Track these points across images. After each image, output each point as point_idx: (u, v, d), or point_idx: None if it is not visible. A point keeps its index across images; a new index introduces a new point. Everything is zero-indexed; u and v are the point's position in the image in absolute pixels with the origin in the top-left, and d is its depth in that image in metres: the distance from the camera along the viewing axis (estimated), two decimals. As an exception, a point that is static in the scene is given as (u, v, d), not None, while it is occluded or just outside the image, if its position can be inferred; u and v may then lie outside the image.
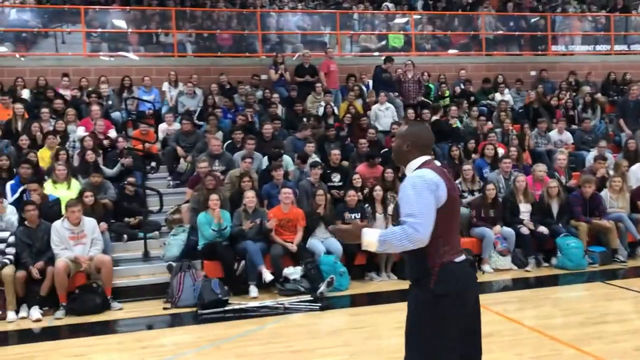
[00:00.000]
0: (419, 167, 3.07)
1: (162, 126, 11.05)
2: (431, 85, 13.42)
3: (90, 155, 9.13)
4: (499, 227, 8.48)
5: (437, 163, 3.23)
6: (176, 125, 10.94)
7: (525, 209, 8.71)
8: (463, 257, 3.05)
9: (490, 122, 12.13)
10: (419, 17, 16.37)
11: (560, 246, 8.35)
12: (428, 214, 2.88)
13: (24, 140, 9.51)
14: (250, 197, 7.87)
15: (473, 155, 10.18)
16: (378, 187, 8.42)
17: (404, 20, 16.14)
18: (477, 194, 8.97)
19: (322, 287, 7.16)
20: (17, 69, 12.45)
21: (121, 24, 14.48)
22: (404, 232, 2.85)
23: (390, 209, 8.29)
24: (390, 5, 17.17)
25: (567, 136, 11.39)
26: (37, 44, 14.52)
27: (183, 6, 15.34)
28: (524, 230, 8.43)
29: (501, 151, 10.23)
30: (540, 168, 9.21)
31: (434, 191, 2.93)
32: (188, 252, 7.84)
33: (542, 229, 8.49)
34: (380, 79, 12.57)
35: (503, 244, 8.37)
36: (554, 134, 11.33)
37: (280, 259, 7.67)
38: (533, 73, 15.07)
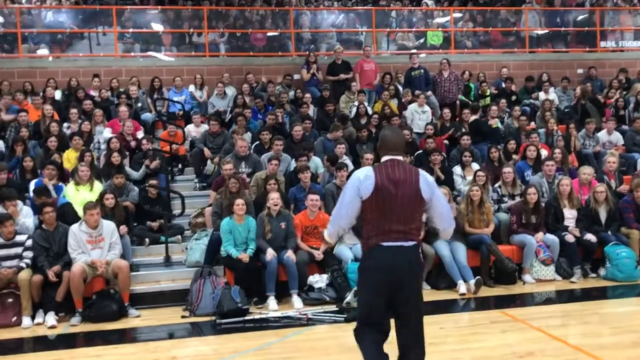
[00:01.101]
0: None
1: (190, 127, 10.81)
2: (471, 85, 12.82)
3: (115, 157, 8.93)
4: (541, 235, 7.87)
5: (400, 158, 3.83)
6: (204, 126, 10.68)
7: (570, 215, 8.08)
8: (396, 242, 3.70)
9: (533, 123, 11.52)
10: (460, 14, 15.77)
11: (609, 256, 7.69)
12: (345, 205, 3.76)
13: (52, 142, 9.38)
14: (274, 199, 7.48)
15: (514, 157, 9.56)
16: None
17: (445, 19, 15.54)
18: (518, 199, 8.37)
19: (349, 297, 6.71)
20: (50, 70, 12.44)
21: (155, 24, 14.41)
22: (333, 217, 3.89)
23: (423, 217, 7.75)
24: (430, 2, 16.63)
25: (617, 137, 10.64)
26: (72, 46, 14.58)
27: (217, 6, 15.18)
28: (569, 238, 7.80)
29: (544, 153, 9.58)
30: (586, 171, 8.55)
31: (357, 186, 3.71)
32: (209, 257, 7.52)
33: (590, 237, 7.85)
34: (410, 79, 12.06)
35: (546, 252, 7.76)
36: (602, 135, 10.61)
37: (305, 266, 7.26)
38: (580, 71, 14.30)
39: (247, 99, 11.80)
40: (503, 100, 11.55)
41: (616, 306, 7.10)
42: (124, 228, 7.49)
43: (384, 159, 3.83)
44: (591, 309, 6.72)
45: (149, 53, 13.62)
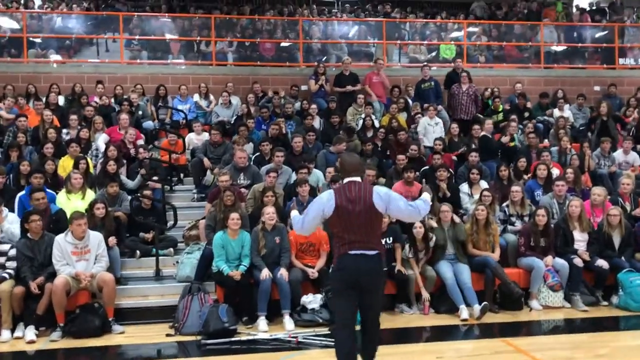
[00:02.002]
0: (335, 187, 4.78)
1: (191, 135, 10.56)
2: (489, 102, 12.39)
3: (111, 166, 8.69)
4: (550, 259, 7.46)
5: (358, 179, 4.57)
6: (205, 135, 10.42)
7: (580, 238, 7.66)
8: (360, 251, 4.41)
9: (546, 140, 11.12)
10: (476, 28, 15.44)
11: (622, 283, 7.25)
12: (309, 220, 4.59)
13: (48, 149, 9.16)
14: (269, 214, 7.16)
15: (525, 177, 9.16)
16: (418, 224, 7.29)
17: (459, 32, 15.22)
18: (526, 219, 7.97)
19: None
20: (54, 76, 12.32)
21: (164, 32, 14.27)
22: (298, 222, 4.70)
23: (432, 242, 7.40)
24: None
25: (634, 157, 10.19)
26: (80, 52, 14.49)
27: (227, 15, 15.03)
28: (578, 262, 7.37)
29: (556, 172, 9.18)
30: (598, 192, 8.11)
31: (323, 205, 4.50)
32: (200, 272, 7.20)
33: (601, 262, 7.41)
34: (420, 91, 11.74)
35: (554, 277, 7.34)
36: (619, 155, 10.17)
37: (299, 284, 6.91)
38: (597, 88, 13.87)
39: (252, 109, 11.56)
40: (514, 117, 11.11)
41: (629, 338, 6.62)
42: (112, 239, 7.21)
43: (345, 181, 4.59)
44: (602, 341, 6.31)
45: (151, 60, 13.39)
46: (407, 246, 7.37)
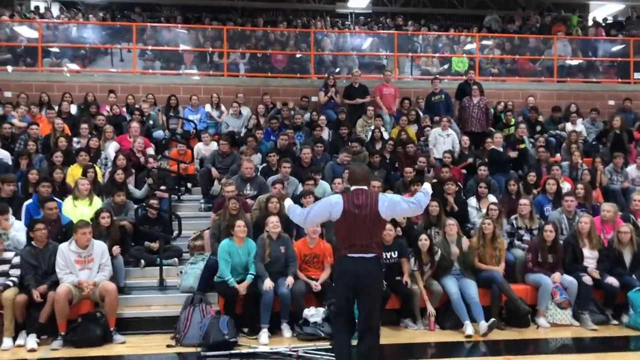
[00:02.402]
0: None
1: (199, 145, 10.58)
2: (502, 116, 12.27)
3: (119, 175, 8.72)
4: (558, 275, 7.32)
5: (365, 188, 4.94)
6: (213, 145, 10.44)
7: (590, 255, 7.51)
8: (359, 254, 4.76)
9: (558, 155, 10.98)
10: (489, 41, 15.37)
11: (633, 302, 7.07)
12: (314, 215, 4.91)
13: (57, 157, 9.22)
14: (273, 223, 7.12)
15: (534, 191, 9.03)
16: (424, 237, 7.28)
17: (472, 45, 15.16)
18: (535, 233, 7.83)
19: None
20: (67, 85, 12.44)
21: (177, 42, 14.38)
22: (302, 213, 4.96)
23: (437, 256, 7.31)
24: None
25: (648, 173, 10.03)
26: (95, 62, 14.65)
27: (240, 27, 15.12)
28: (587, 280, 7.21)
29: (567, 187, 9.04)
30: (607, 208, 7.93)
31: (328, 208, 4.83)
32: (203, 283, 7.17)
33: (611, 280, 7.26)
34: (430, 104, 11.68)
35: (562, 294, 7.19)
36: (632, 170, 9.99)
37: (301, 297, 6.85)
38: (612, 102, 13.71)
39: (261, 120, 11.57)
40: (523, 125, 10.97)
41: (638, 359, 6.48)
42: (116, 249, 7.21)
43: (352, 188, 4.95)
44: (610, 361, 6.16)
45: (162, 70, 13.45)
46: (412, 259, 7.29)
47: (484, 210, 8.31)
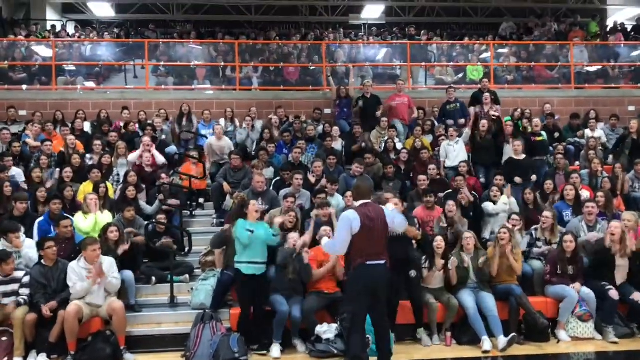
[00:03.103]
0: (354, 208, 5.66)
1: (211, 139, 10.66)
2: (519, 123, 12.04)
3: (131, 192, 8.68)
4: (578, 285, 7.09)
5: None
6: (225, 139, 10.66)
7: (622, 263, 7.26)
8: (376, 261, 5.45)
9: (577, 162, 10.72)
10: (506, 49, 15.18)
11: (657, 314, 6.84)
12: (343, 240, 5.48)
13: (67, 173, 9.23)
14: (294, 239, 7.11)
15: (551, 198, 8.77)
16: (439, 238, 7.21)
17: (487, 54, 14.98)
18: (554, 247, 7.60)
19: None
20: (81, 102, 12.48)
21: (190, 58, 14.42)
22: (330, 244, 5.75)
23: (451, 262, 7.09)
24: None
25: (671, 180, 9.73)
26: (109, 79, 14.76)
27: (254, 40, 15.14)
28: (613, 294, 6.95)
29: (586, 195, 8.79)
30: (628, 217, 7.60)
31: (350, 222, 5.44)
32: (217, 300, 7.07)
33: (637, 297, 7.00)
34: (446, 112, 11.52)
35: (583, 307, 6.96)
36: (653, 178, 9.71)
37: (313, 314, 6.71)
38: (632, 108, 13.41)
39: (275, 132, 11.49)
40: (536, 120, 10.89)
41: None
42: (124, 246, 7.27)
43: (359, 202, 5.63)
44: (635, 376, 5.92)
45: (173, 86, 13.45)
46: (424, 257, 7.13)
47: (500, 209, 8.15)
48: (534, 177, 9.61)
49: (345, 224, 5.44)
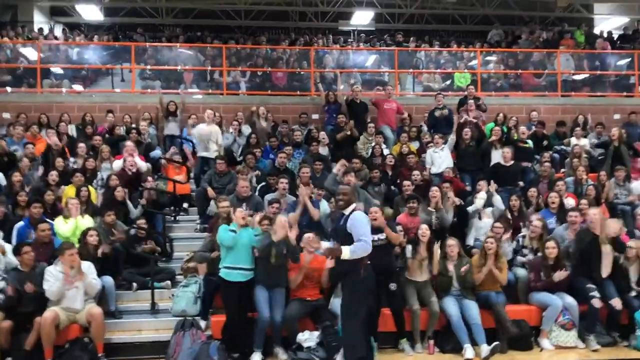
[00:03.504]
0: (354, 209, 5.80)
1: (201, 126, 10.55)
2: (504, 128, 12.08)
3: (120, 192, 8.65)
4: (564, 273, 7.05)
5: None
6: (214, 126, 10.55)
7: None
8: (369, 261, 5.70)
9: (563, 170, 10.74)
10: (494, 57, 15.24)
11: (639, 323, 6.82)
12: (369, 237, 5.61)
13: (52, 176, 9.14)
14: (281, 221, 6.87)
15: (535, 205, 8.75)
16: (424, 227, 7.20)
17: (475, 61, 15.02)
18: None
19: (338, 358, 6.04)
20: (67, 105, 12.33)
21: (177, 62, 14.35)
22: (362, 246, 5.54)
23: (437, 254, 7.06)
24: None
25: (654, 189, 9.76)
26: (97, 82, 14.67)
27: (240, 45, 15.09)
28: (596, 303, 6.91)
29: (572, 203, 8.78)
30: (613, 225, 7.61)
31: (368, 222, 5.83)
32: (206, 308, 7.00)
33: (615, 303, 6.97)
34: (433, 119, 11.52)
35: (566, 315, 6.94)
36: (637, 185, 9.73)
37: (295, 321, 6.63)
38: (617, 116, 13.47)
39: (263, 123, 11.47)
40: (523, 127, 11.00)
41: (646, 383, 6.21)
42: (105, 247, 7.18)
43: (355, 205, 5.89)
44: (617, 385, 5.89)
45: (156, 90, 13.39)
46: (409, 246, 7.09)
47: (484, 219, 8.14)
48: (521, 184, 9.63)
49: (365, 222, 5.67)
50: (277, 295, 6.68)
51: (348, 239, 5.55)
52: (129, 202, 8.90)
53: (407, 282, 7.06)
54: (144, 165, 9.80)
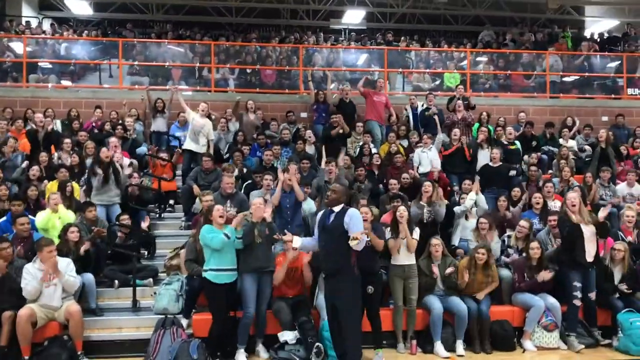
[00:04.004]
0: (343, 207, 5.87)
1: (195, 115, 10.40)
2: (490, 127, 12.09)
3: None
4: (546, 274, 7.03)
5: None
6: (206, 121, 10.47)
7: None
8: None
9: (550, 171, 10.74)
10: (485, 57, 15.26)
11: (622, 325, 6.83)
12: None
13: (34, 171, 9.03)
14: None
15: (519, 205, 8.73)
16: (402, 208, 7.00)
17: (465, 62, 15.03)
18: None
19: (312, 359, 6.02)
20: (52, 101, 12.24)
21: (166, 58, 14.27)
22: (363, 240, 5.59)
23: (416, 234, 6.97)
24: None
25: (640, 190, 9.80)
26: (84, 77, 14.55)
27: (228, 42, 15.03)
28: (577, 302, 6.93)
29: (558, 205, 8.76)
30: (597, 226, 7.64)
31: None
32: (189, 307, 6.92)
33: (592, 295, 7.00)
34: (424, 119, 11.51)
35: (548, 316, 6.94)
36: (622, 187, 9.75)
37: (279, 314, 6.60)
38: (605, 118, 13.52)
39: (251, 117, 11.43)
40: (510, 128, 11.07)
41: (628, 385, 6.21)
42: (87, 244, 7.08)
43: (341, 207, 5.86)
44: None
45: (144, 86, 13.29)
46: (388, 229, 7.03)
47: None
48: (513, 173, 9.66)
49: (361, 219, 5.80)
50: (266, 285, 6.59)
51: (344, 236, 5.60)
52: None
53: (393, 272, 6.88)
54: (125, 162, 9.70)
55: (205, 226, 6.52)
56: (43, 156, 9.50)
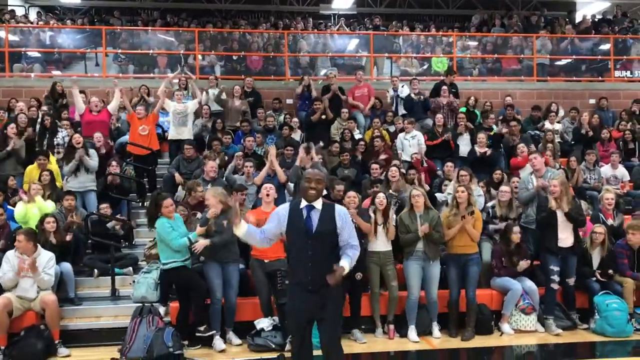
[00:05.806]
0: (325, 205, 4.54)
1: (170, 103, 10.48)
2: (477, 112, 12.06)
3: (77, 139, 8.57)
4: (524, 264, 7.02)
5: None
6: (186, 106, 10.50)
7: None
8: None
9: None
10: (474, 42, 15.16)
11: (598, 307, 6.84)
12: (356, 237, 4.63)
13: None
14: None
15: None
16: (381, 195, 6.89)
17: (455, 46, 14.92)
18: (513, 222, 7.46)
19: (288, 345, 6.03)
20: (36, 90, 12.14)
21: (152, 46, 14.18)
22: (355, 254, 4.48)
23: (393, 219, 6.87)
24: None
25: (623, 172, 9.76)
26: (71, 66, 14.47)
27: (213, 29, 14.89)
28: (555, 286, 6.94)
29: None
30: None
31: None
32: (164, 294, 6.95)
33: (572, 281, 7.01)
34: (408, 103, 11.47)
35: (525, 300, 6.95)
36: (606, 169, 9.74)
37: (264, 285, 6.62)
38: (592, 101, 13.46)
39: (236, 102, 11.31)
40: (492, 115, 11.02)
41: (604, 366, 6.23)
42: (70, 236, 7.10)
43: (322, 203, 4.50)
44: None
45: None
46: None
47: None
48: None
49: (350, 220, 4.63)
50: (231, 275, 6.52)
51: (335, 244, 4.43)
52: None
53: (369, 259, 6.75)
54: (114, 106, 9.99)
55: (163, 219, 6.37)
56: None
